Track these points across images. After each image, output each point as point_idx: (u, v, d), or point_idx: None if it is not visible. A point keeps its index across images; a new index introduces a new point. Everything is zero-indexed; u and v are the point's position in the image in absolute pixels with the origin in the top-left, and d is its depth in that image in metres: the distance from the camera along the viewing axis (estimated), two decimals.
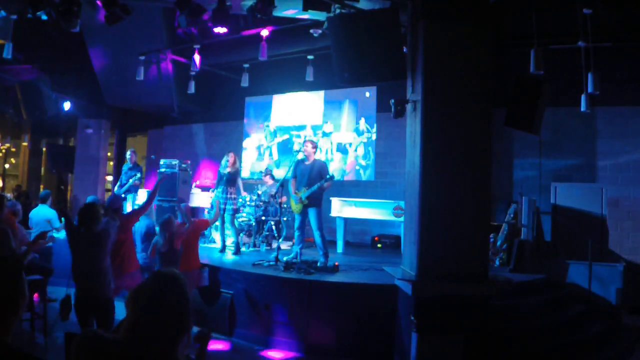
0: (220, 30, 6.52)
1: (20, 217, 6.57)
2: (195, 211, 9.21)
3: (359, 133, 10.80)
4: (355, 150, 10.83)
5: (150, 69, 10.04)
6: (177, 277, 1.80)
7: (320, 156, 9.77)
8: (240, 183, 8.35)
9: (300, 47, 9.31)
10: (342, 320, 5.83)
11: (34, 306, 6.13)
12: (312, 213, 7.15)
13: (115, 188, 10.12)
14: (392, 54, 5.33)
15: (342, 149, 10.97)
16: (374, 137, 10.60)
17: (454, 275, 4.91)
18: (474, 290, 4.89)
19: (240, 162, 12.08)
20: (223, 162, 8.23)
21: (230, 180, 8.08)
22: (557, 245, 7.87)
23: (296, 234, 7.41)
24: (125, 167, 10.05)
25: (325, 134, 11.20)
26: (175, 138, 13.49)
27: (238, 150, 12.17)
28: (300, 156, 7.52)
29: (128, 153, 10.16)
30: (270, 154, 11.90)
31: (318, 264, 6.83)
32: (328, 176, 7.08)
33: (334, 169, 10.48)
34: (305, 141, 7.63)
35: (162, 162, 10.04)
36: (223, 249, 8.11)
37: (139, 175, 9.28)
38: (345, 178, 10.76)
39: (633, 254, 7.79)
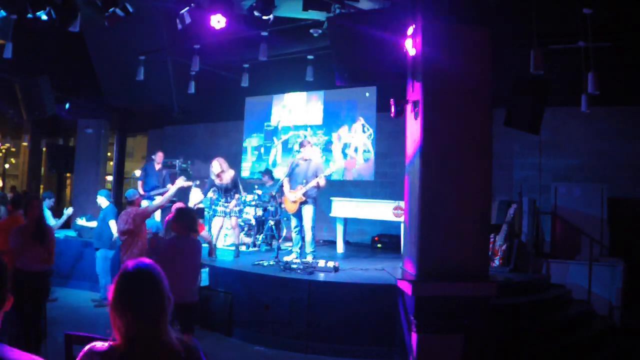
0: (219, 20, 6.16)
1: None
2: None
3: (358, 133, 10.79)
4: (355, 150, 10.83)
5: (150, 69, 10.03)
6: (143, 268, 1.79)
7: (320, 156, 9.78)
8: (239, 184, 8.27)
9: (300, 47, 9.31)
10: (342, 321, 5.84)
11: None
12: (307, 211, 7.17)
13: (140, 189, 9.56)
14: (392, 54, 5.33)
15: (342, 149, 10.97)
16: (373, 137, 10.59)
17: (454, 275, 4.90)
18: (474, 290, 4.89)
19: (241, 162, 12.09)
20: (210, 172, 7.79)
21: (229, 190, 7.80)
22: (557, 245, 7.87)
23: (294, 234, 7.42)
24: (150, 168, 9.79)
25: (325, 134, 11.19)
26: (175, 138, 13.49)
27: (238, 150, 12.18)
28: (298, 156, 7.54)
29: (158, 154, 9.90)
30: (276, 154, 11.87)
31: (297, 261, 6.89)
32: (325, 174, 7.12)
33: (334, 169, 10.47)
34: (303, 141, 7.64)
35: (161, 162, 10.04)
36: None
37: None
38: (345, 178, 10.76)
39: (633, 254, 7.77)
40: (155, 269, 1.79)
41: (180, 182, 6.51)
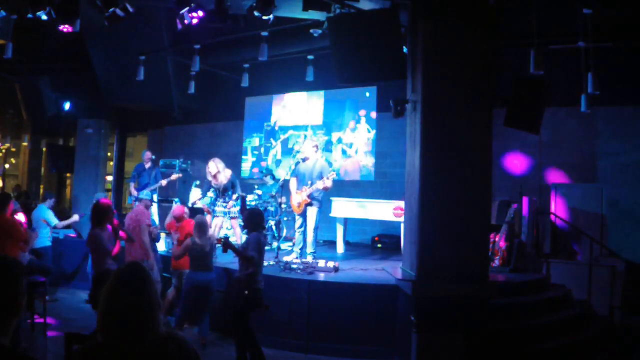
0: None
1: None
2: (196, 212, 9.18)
3: (359, 133, 10.79)
4: (356, 150, 10.83)
5: (150, 69, 10.02)
6: (131, 268, 1.82)
7: (320, 156, 9.76)
8: (237, 183, 8.23)
9: (300, 47, 9.30)
10: (342, 320, 5.83)
11: (34, 306, 6.13)
12: (312, 212, 7.16)
13: (134, 189, 9.53)
14: (392, 54, 5.33)
15: (342, 149, 10.97)
16: (373, 137, 10.59)
17: (454, 275, 4.90)
18: (474, 290, 4.89)
19: (241, 162, 12.08)
20: (207, 172, 7.77)
21: (227, 190, 7.80)
22: (557, 245, 7.87)
23: (297, 234, 7.41)
24: (139, 167, 9.81)
25: (325, 134, 11.19)
26: (176, 138, 13.49)
27: (238, 150, 12.17)
28: (300, 156, 7.53)
29: (145, 153, 9.92)
30: (275, 154, 11.87)
31: (297, 261, 6.87)
32: (330, 172, 7.11)
33: (334, 169, 10.47)
34: (305, 141, 7.63)
35: (161, 162, 10.04)
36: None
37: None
38: (345, 178, 10.75)
39: (633, 254, 7.78)
40: (140, 272, 1.79)
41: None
